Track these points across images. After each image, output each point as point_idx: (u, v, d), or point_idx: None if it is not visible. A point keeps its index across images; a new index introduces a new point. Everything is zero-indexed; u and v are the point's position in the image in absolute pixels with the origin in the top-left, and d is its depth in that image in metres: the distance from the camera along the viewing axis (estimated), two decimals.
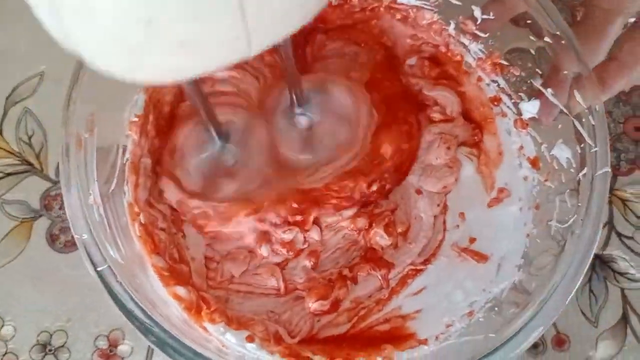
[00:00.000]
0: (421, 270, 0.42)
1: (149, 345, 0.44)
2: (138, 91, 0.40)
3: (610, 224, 0.49)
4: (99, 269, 0.30)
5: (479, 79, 0.44)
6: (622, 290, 0.47)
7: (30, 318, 0.45)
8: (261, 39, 0.23)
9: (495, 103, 0.43)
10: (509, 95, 0.42)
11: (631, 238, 0.48)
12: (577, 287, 0.32)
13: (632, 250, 0.48)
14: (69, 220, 0.32)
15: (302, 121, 0.42)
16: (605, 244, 0.48)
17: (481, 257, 0.41)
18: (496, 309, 0.36)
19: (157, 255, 0.37)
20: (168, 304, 0.35)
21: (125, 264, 0.32)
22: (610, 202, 0.49)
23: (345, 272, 0.42)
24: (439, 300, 0.40)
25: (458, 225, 0.43)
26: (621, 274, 0.47)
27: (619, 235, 0.48)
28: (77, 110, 0.34)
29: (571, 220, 0.35)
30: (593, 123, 0.35)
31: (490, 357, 0.31)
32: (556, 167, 0.38)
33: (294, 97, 0.39)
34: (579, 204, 0.35)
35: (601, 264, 0.47)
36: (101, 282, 0.31)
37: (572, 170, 0.37)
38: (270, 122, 0.43)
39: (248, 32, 0.22)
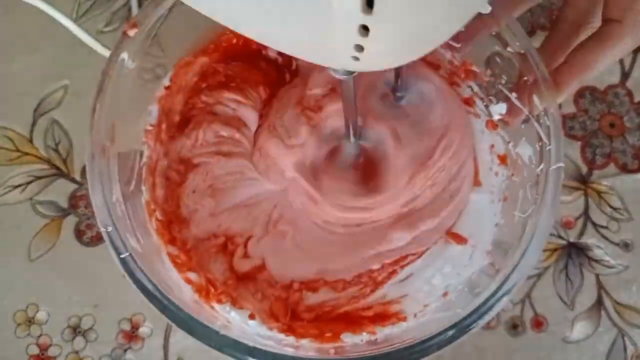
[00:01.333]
0: (418, 256, 0.44)
1: (166, 327, 0.48)
2: (152, 103, 0.43)
3: (585, 214, 0.51)
4: (122, 256, 0.35)
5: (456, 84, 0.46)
6: (597, 276, 0.49)
7: (61, 305, 0.48)
8: None
9: (469, 105, 0.46)
10: (482, 99, 0.45)
11: (606, 227, 0.50)
12: (532, 265, 0.36)
13: (607, 239, 0.50)
14: (95, 215, 0.35)
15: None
16: (582, 233, 0.50)
17: (461, 240, 0.44)
18: (466, 289, 0.40)
19: (172, 245, 0.41)
20: (181, 287, 0.39)
21: (144, 253, 0.36)
22: (586, 194, 0.51)
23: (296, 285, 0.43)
24: (422, 284, 0.43)
25: None
26: (596, 260, 0.50)
27: (594, 224, 0.50)
28: (100, 122, 0.37)
29: (530, 210, 0.38)
30: (548, 124, 0.37)
31: (457, 326, 0.34)
32: (520, 163, 0.41)
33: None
34: (537, 196, 0.37)
35: (577, 251, 0.50)
36: (124, 268, 0.35)
37: (532, 165, 0.39)
38: None
39: None
